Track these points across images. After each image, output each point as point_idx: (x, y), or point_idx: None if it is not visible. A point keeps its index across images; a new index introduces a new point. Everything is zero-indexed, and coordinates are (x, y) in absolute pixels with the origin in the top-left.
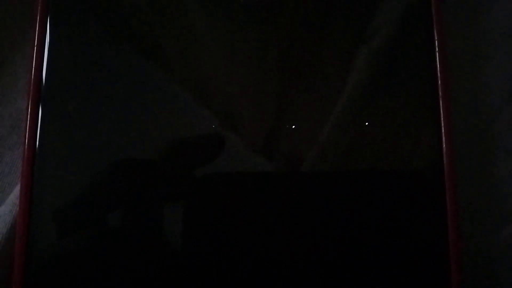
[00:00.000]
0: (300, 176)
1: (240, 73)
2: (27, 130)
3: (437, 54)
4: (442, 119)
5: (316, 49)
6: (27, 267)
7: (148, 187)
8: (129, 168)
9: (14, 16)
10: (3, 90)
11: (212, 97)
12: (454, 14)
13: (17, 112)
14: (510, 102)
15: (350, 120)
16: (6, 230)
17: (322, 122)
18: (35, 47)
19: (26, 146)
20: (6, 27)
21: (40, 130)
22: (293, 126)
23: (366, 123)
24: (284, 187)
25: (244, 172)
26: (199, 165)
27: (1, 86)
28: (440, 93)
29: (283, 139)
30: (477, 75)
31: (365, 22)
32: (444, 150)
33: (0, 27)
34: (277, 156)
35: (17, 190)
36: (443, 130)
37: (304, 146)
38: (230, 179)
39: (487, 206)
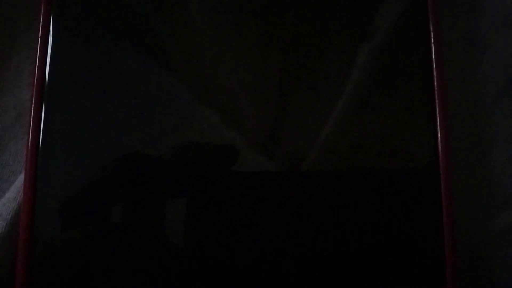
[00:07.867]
0: (300, 175)
1: (241, 71)
2: (31, 122)
3: (433, 50)
4: (437, 115)
5: (318, 48)
6: (31, 254)
7: (152, 183)
8: (135, 162)
9: (19, 7)
10: (7, 81)
11: (213, 95)
12: (451, 2)
13: (22, 102)
14: (507, 91)
15: (351, 118)
16: (11, 217)
17: (322, 121)
18: (39, 38)
19: (30, 137)
20: (11, 19)
21: (44, 121)
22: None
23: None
24: (284, 185)
25: (245, 171)
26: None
27: (5, 76)
28: (436, 88)
29: (283, 138)
30: (474, 65)
31: (366, 20)
32: (440, 147)
33: (5, 18)
34: (278, 154)
35: (21, 177)
36: (438, 126)
37: (305, 144)
38: (231, 177)
39: (480, 194)
